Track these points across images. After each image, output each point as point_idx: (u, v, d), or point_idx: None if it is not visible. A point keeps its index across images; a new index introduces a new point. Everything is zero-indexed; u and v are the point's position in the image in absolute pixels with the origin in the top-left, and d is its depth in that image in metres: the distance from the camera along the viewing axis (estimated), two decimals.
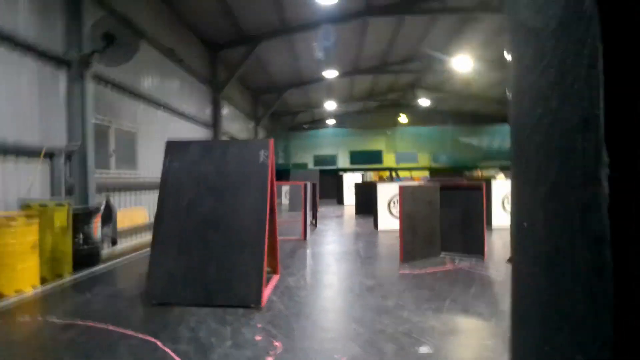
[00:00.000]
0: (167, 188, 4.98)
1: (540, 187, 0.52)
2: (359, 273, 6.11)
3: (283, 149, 28.17)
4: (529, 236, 0.56)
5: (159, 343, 3.49)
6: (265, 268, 4.73)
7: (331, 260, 7.08)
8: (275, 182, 5.51)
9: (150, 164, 9.84)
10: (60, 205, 5.77)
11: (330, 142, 28.56)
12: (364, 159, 27.01)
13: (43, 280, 5.48)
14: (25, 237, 5.10)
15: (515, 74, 0.59)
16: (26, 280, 5.12)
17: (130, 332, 3.73)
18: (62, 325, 3.92)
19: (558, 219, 0.49)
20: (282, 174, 22.53)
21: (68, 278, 5.79)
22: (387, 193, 10.90)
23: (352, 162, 26.89)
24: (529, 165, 0.55)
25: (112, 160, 8.28)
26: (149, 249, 4.88)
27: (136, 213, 8.98)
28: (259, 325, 3.91)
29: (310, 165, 27.18)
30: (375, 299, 4.78)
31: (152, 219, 5.14)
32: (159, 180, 5.15)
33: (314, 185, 12.44)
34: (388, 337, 3.62)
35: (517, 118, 0.60)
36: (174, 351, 3.33)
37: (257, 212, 4.78)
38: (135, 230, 8.91)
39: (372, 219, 12.06)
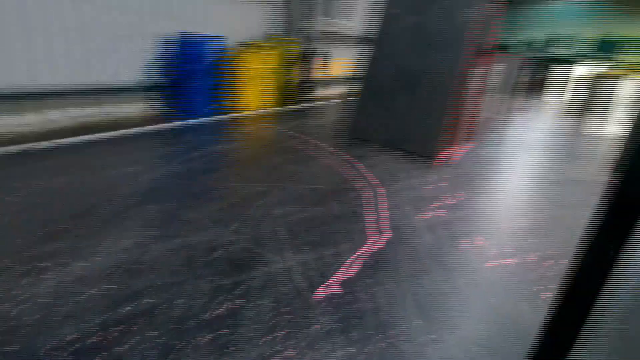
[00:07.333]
0: (381, 38, 5.09)
1: None
2: (556, 160, 5.44)
3: (509, 21, 24.04)
4: None
5: (358, 163, 4.15)
6: (455, 131, 4.71)
7: (528, 141, 6.47)
8: (481, 48, 4.98)
9: (360, 16, 9.96)
10: (293, 42, 6.70)
11: (571, 21, 22.74)
12: (615, 48, 20.69)
13: (274, 104, 6.84)
14: (267, 63, 6.26)
15: None
16: (264, 100, 6.47)
17: (334, 150, 4.51)
18: (288, 135, 5.01)
19: None
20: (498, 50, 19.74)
21: (292, 107, 7.06)
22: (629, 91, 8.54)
23: (600, 50, 20.54)
24: None
25: (332, 10, 8.71)
26: (349, 98, 5.39)
27: (344, 63, 9.70)
28: (444, 176, 4.14)
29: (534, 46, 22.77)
30: (561, 186, 4.31)
31: (357, 72, 5.46)
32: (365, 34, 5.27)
33: (523, 67, 10.67)
34: (568, 206, 3.34)
35: None
36: (368, 170, 3.93)
37: (452, 73, 4.54)
38: (341, 80, 9.77)
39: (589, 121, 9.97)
